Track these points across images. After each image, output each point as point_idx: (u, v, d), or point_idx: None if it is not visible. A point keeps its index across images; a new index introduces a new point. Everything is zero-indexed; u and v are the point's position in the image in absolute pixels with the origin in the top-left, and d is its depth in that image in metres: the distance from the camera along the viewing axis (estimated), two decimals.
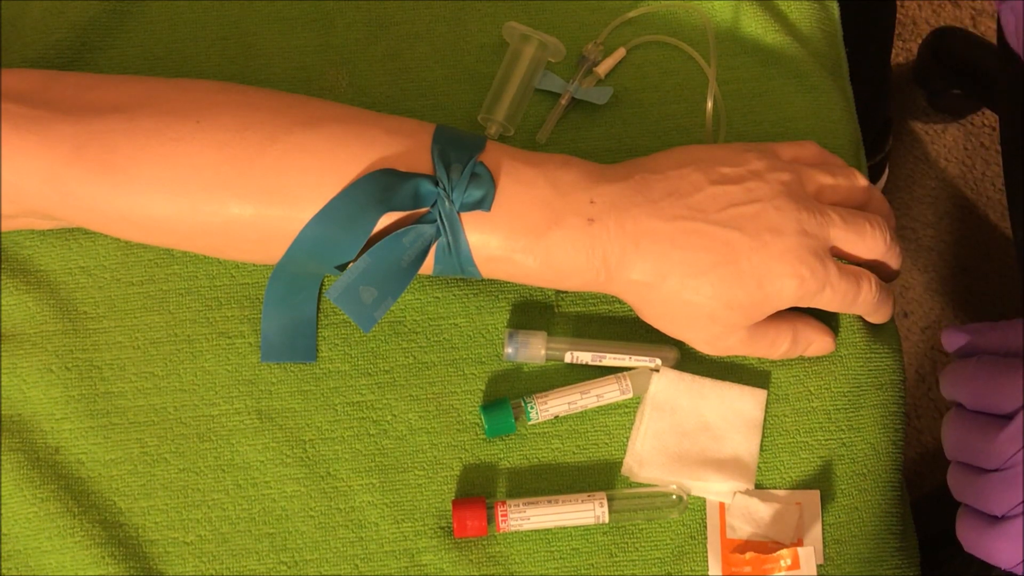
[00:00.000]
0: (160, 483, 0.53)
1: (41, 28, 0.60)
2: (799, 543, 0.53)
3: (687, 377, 0.54)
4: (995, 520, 0.48)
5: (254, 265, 0.56)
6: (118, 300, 0.56)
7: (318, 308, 0.55)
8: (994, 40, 0.93)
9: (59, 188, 0.48)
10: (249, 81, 0.59)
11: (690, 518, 0.54)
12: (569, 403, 0.53)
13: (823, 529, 0.54)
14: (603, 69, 0.60)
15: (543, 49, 0.59)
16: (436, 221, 0.49)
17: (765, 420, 0.55)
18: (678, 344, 0.55)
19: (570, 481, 0.54)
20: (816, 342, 0.54)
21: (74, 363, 0.55)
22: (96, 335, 0.55)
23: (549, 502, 0.52)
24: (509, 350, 0.54)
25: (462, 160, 0.49)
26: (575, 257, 0.49)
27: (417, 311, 0.56)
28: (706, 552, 0.53)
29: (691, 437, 0.54)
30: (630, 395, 0.54)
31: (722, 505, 0.53)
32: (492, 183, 0.49)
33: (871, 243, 0.51)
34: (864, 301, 0.51)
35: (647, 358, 0.54)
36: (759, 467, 0.54)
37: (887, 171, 1.30)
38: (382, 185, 0.48)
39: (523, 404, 0.53)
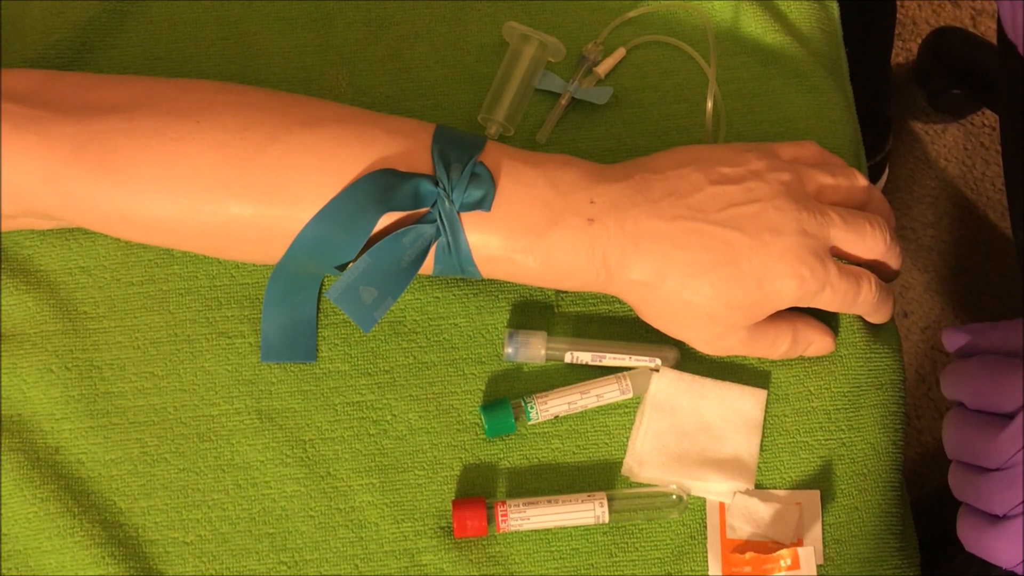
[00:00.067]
0: (160, 483, 0.53)
1: (41, 28, 0.60)
2: (799, 543, 0.53)
3: (687, 377, 0.54)
4: (996, 520, 0.48)
5: (254, 265, 0.56)
6: (118, 300, 0.56)
7: (318, 308, 0.55)
8: (994, 40, 0.93)
9: (59, 188, 0.48)
10: (249, 81, 0.59)
11: (690, 518, 0.54)
12: (569, 403, 0.53)
13: (823, 529, 0.54)
14: (603, 69, 0.60)
15: (543, 49, 0.59)
16: (436, 221, 0.49)
17: (765, 420, 0.55)
18: (678, 344, 0.55)
19: (570, 481, 0.54)
20: (816, 342, 0.54)
21: (74, 363, 0.55)
22: (96, 335, 0.55)
23: (549, 502, 0.52)
24: (509, 350, 0.54)
25: (462, 160, 0.49)
26: (575, 257, 0.49)
27: (417, 311, 0.56)
28: (706, 552, 0.53)
29: (691, 437, 0.54)
30: (630, 395, 0.54)
31: (722, 505, 0.53)
32: (492, 183, 0.49)
33: (871, 243, 0.51)
34: (864, 301, 0.51)
35: (647, 358, 0.54)
36: (759, 467, 0.54)
37: (887, 171, 1.30)
38: (382, 185, 0.48)
39: (523, 404, 0.53)
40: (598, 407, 0.54)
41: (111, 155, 0.48)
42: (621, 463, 0.54)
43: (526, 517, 0.52)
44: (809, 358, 0.55)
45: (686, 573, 0.53)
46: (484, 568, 0.52)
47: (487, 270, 0.50)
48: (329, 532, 0.53)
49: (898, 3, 1.36)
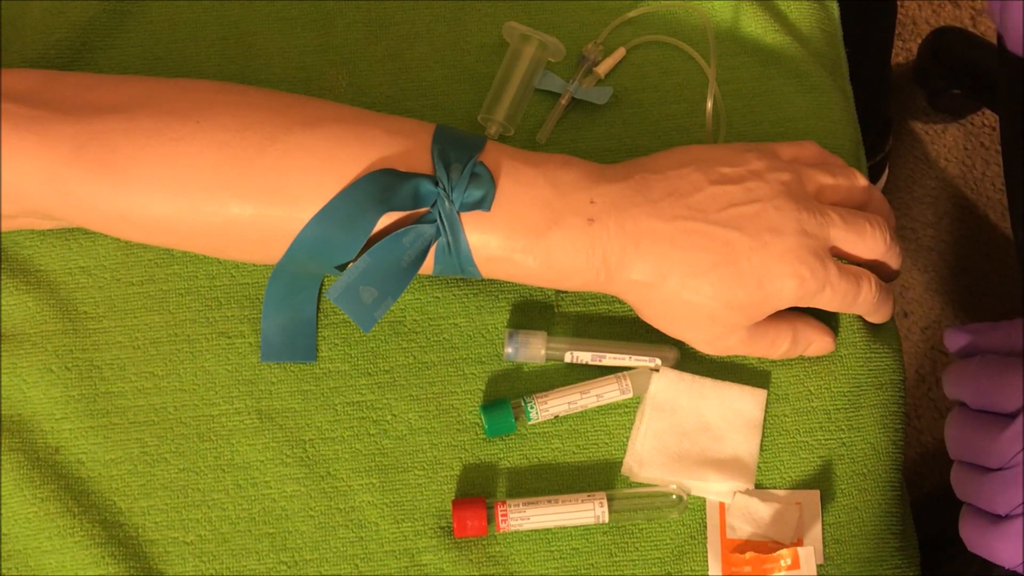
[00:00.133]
0: (160, 483, 0.53)
1: (41, 28, 0.60)
2: (799, 543, 0.53)
3: (687, 377, 0.54)
4: (998, 519, 0.48)
5: (254, 265, 0.56)
6: (118, 300, 0.56)
7: (318, 308, 0.55)
8: (994, 40, 0.93)
9: (59, 188, 0.48)
10: (249, 81, 0.59)
11: (690, 518, 0.54)
12: (569, 403, 0.53)
13: (823, 529, 0.54)
14: (603, 69, 0.60)
15: (543, 49, 0.59)
16: (436, 221, 0.49)
17: (765, 420, 0.55)
18: (678, 344, 0.55)
19: (570, 481, 0.54)
20: (816, 342, 0.54)
21: (74, 363, 0.55)
22: (96, 335, 0.55)
23: (549, 502, 0.52)
24: (509, 350, 0.54)
25: (462, 160, 0.49)
26: (575, 257, 0.49)
27: (417, 311, 0.56)
28: (706, 552, 0.53)
29: (691, 437, 0.54)
30: (630, 395, 0.54)
31: (722, 505, 0.53)
32: (492, 183, 0.49)
33: (871, 243, 0.51)
34: (864, 301, 0.51)
35: (647, 358, 0.54)
36: (759, 467, 0.54)
37: (887, 171, 1.30)
38: (382, 185, 0.48)
39: (523, 404, 0.53)
40: (598, 407, 0.54)
41: (111, 155, 0.48)
42: (621, 463, 0.54)
43: (526, 517, 0.52)
44: (809, 358, 0.55)
45: (686, 573, 0.53)
46: (484, 568, 0.52)
47: (487, 270, 0.50)
48: (329, 532, 0.53)
49: (898, 3, 1.36)
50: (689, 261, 0.49)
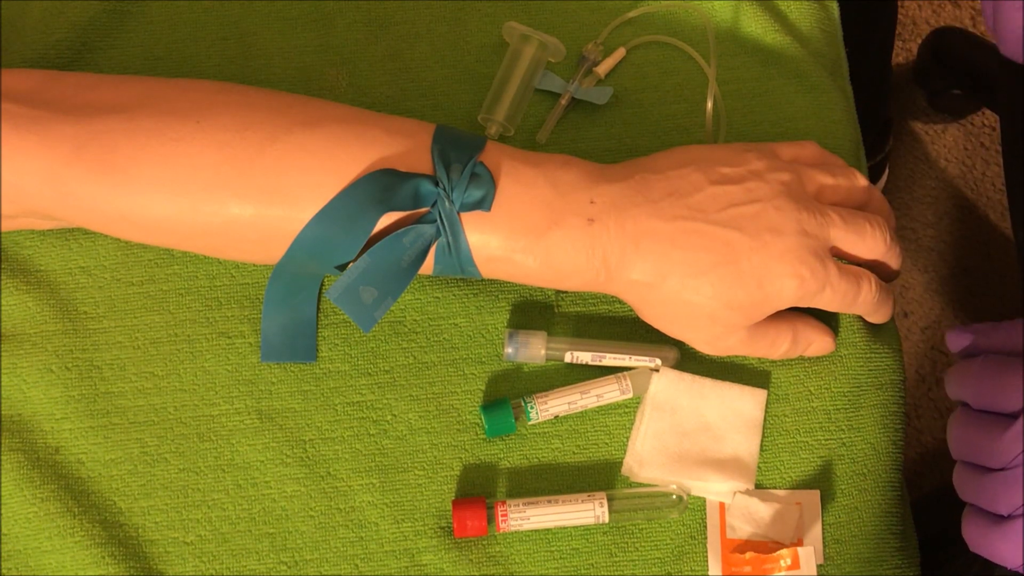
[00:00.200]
0: (160, 483, 0.53)
1: (41, 28, 0.60)
2: (799, 543, 0.53)
3: (687, 377, 0.54)
4: (1000, 520, 0.48)
5: (254, 265, 0.56)
6: (118, 300, 0.56)
7: (318, 308, 0.55)
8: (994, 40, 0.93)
9: (59, 188, 0.48)
10: (249, 81, 0.59)
11: (690, 518, 0.54)
12: (569, 403, 0.53)
13: (823, 529, 0.54)
14: (603, 69, 0.60)
15: (543, 49, 0.59)
16: (436, 221, 0.49)
17: (765, 420, 0.55)
18: (678, 344, 0.55)
19: (570, 481, 0.54)
20: (816, 342, 0.54)
21: (74, 363, 0.55)
22: (96, 335, 0.55)
23: (549, 502, 0.52)
24: (509, 350, 0.54)
25: (462, 160, 0.49)
26: (575, 257, 0.49)
27: (417, 311, 0.56)
28: (706, 552, 0.53)
29: (691, 437, 0.54)
30: (630, 395, 0.54)
31: (722, 505, 0.53)
32: (492, 183, 0.49)
33: (871, 243, 0.51)
34: (864, 301, 0.51)
35: (647, 358, 0.54)
36: (759, 467, 0.54)
37: (887, 171, 1.30)
38: (382, 185, 0.48)
39: (523, 404, 0.53)
40: (598, 407, 0.54)
41: (111, 155, 0.48)
42: (621, 463, 0.54)
43: (526, 517, 0.52)
44: (809, 358, 0.55)
45: (686, 573, 0.53)
46: (484, 568, 0.52)
47: (487, 270, 0.50)
48: (329, 532, 0.53)
49: (898, 3, 1.36)
50: (689, 261, 0.49)
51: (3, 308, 0.55)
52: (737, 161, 0.51)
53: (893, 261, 0.53)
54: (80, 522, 0.52)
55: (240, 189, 0.48)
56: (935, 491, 1.08)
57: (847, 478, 0.54)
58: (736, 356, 0.55)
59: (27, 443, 0.53)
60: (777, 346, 0.53)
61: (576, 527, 0.53)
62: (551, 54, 0.60)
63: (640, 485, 0.54)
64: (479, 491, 0.54)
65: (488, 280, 0.56)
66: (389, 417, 0.54)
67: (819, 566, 0.53)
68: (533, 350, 0.54)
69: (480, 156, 0.50)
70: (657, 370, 0.54)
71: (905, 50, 1.38)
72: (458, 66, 0.60)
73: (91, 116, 0.49)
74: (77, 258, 0.56)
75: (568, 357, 0.54)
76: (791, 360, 0.55)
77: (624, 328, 0.56)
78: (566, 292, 0.56)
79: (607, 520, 0.52)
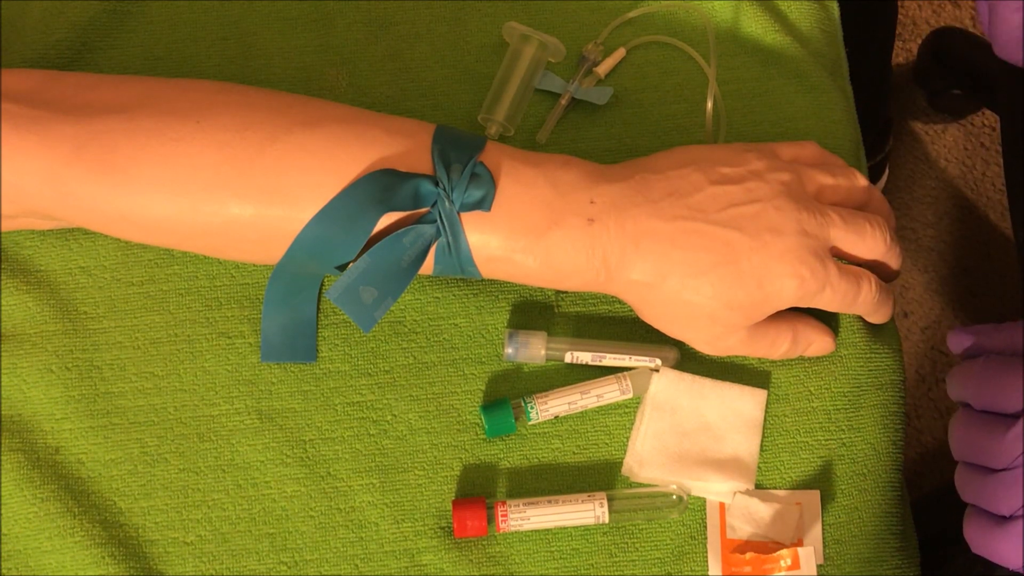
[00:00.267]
0: (160, 483, 0.53)
1: (41, 28, 0.60)
2: (799, 543, 0.53)
3: (687, 377, 0.54)
4: (1002, 520, 0.48)
5: (254, 265, 0.56)
6: (118, 300, 0.56)
7: (318, 308, 0.55)
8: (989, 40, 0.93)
9: (59, 188, 0.48)
10: (249, 81, 0.59)
11: (690, 518, 0.54)
12: (569, 403, 0.53)
13: (823, 529, 0.54)
14: (603, 69, 0.60)
15: (543, 49, 0.59)
16: (436, 221, 0.49)
17: (765, 420, 0.55)
18: (678, 344, 0.55)
19: (570, 481, 0.54)
20: (816, 342, 0.54)
21: (74, 363, 0.55)
22: (96, 335, 0.55)
23: (549, 502, 0.52)
24: (509, 350, 0.54)
25: (462, 160, 0.49)
26: (575, 257, 0.49)
27: (417, 311, 0.56)
28: (706, 552, 0.53)
29: (691, 437, 0.54)
30: (630, 395, 0.54)
31: (722, 505, 0.53)
32: (492, 183, 0.49)
33: (871, 243, 0.51)
34: (864, 301, 0.51)
35: (647, 358, 0.54)
36: (759, 467, 0.54)
37: (887, 171, 1.30)
38: (382, 185, 0.48)
39: (523, 404, 0.53)
40: (598, 407, 0.54)
41: (111, 155, 0.48)
42: (621, 463, 0.54)
43: (526, 517, 0.52)
44: (809, 358, 0.55)
45: (686, 573, 0.53)
46: (484, 568, 0.52)
47: (487, 270, 0.50)
48: (329, 532, 0.53)
49: (898, 3, 1.36)
50: (689, 261, 0.49)
51: (3, 308, 0.55)
52: (737, 161, 0.51)
53: (893, 261, 0.53)
54: (80, 522, 0.52)
55: (240, 189, 0.48)
56: (935, 491, 1.08)
57: (847, 478, 0.54)
58: (736, 356, 0.55)
59: (27, 443, 0.53)
60: (777, 346, 0.53)
61: (576, 527, 0.53)
62: (551, 54, 0.60)
63: (640, 485, 0.54)
64: (479, 491, 0.54)
65: (488, 280, 0.56)
66: (389, 417, 0.54)
67: (819, 566, 0.53)
68: (533, 350, 0.54)
69: (480, 156, 0.50)
70: (657, 370, 0.54)
71: (905, 50, 1.38)
72: (458, 66, 0.60)
73: (91, 116, 0.49)
74: (77, 258, 0.56)
75: (568, 357, 0.54)
76: (791, 360, 0.55)
77: (624, 328, 0.56)
78: (566, 292, 0.56)
79: (607, 520, 0.52)
